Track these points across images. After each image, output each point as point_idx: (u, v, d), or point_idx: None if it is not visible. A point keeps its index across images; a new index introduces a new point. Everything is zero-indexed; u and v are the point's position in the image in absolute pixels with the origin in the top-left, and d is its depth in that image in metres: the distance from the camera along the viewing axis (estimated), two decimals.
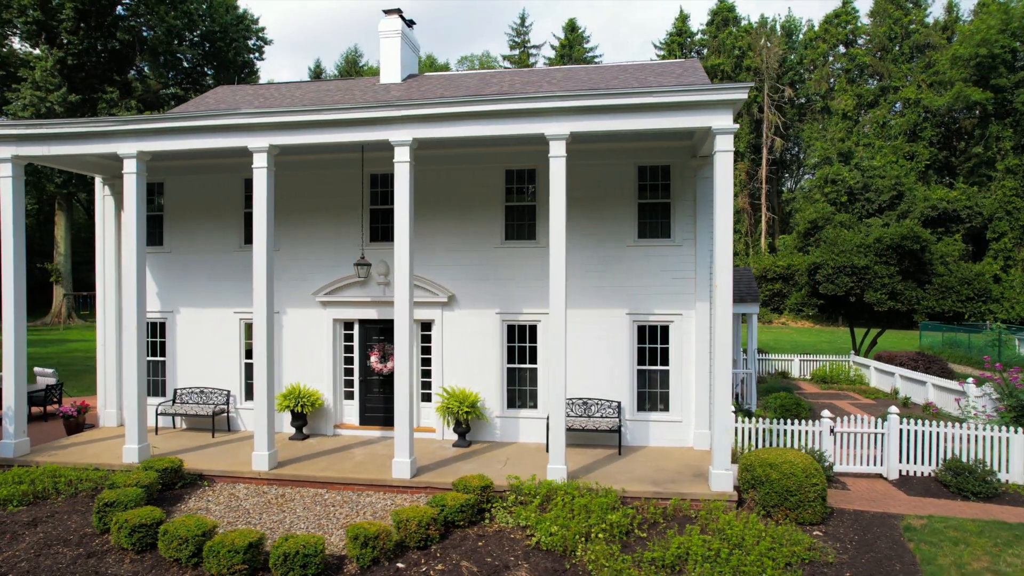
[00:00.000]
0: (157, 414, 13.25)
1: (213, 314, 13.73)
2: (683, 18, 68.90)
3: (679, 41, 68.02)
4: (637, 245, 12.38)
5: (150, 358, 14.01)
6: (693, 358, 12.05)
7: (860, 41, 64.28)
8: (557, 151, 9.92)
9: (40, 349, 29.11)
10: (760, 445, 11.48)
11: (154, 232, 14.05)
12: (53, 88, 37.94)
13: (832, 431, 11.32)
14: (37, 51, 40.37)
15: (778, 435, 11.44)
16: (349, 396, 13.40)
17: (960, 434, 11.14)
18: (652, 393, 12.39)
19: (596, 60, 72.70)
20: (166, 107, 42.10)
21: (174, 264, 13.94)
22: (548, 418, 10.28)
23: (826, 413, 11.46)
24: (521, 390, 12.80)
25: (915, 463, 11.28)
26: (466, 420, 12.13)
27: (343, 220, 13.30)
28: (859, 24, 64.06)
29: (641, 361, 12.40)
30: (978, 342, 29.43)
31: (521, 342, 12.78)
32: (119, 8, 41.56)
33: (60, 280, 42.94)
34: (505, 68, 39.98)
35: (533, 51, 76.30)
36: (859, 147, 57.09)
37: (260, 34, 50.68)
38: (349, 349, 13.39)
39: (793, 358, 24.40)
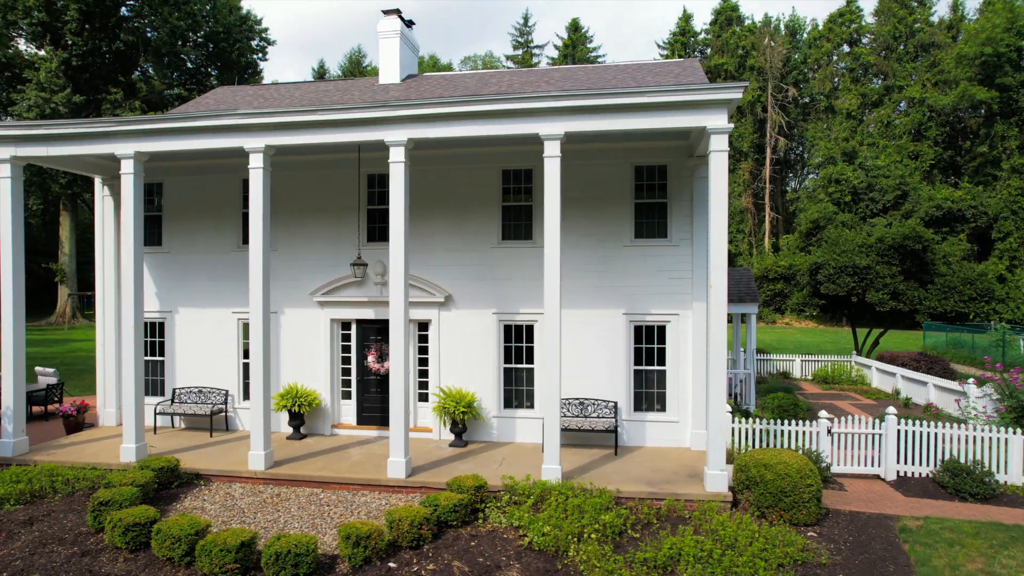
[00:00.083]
0: (156, 413, 13.31)
1: (212, 314, 13.77)
2: (686, 18, 68.74)
3: (682, 41, 67.87)
4: (634, 245, 12.36)
5: (149, 358, 14.08)
6: (690, 358, 12.03)
7: (864, 40, 64.01)
8: (552, 151, 9.91)
9: (44, 349, 29.28)
10: (757, 445, 11.45)
11: (153, 232, 14.11)
12: (57, 89, 38.13)
13: (829, 432, 11.28)
14: (42, 52, 40.59)
15: (775, 435, 11.41)
16: (346, 396, 13.42)
17: (958, 435, 11.08)
18: (649, 393, 12.37)
19: (600, 60, 72.64)
20: (170, 108, 42.26)
21: (173, 264, 13.99)
22: (544, 418, 10.27)
23: (823, 414, 11.41)
24: (518, 390, 12.80)
25: (913, 464, 11.23)
26: (462, 420, 12.14)
27: (341, 220, 13.32)
28: (863, 23, 63.80)
29: (638, 361, 12.39)
30: (982, 342, 29.27)
31: (518, 342, 12.78)
32: (123, 9, 41.77)
33: (65, 280, 43.18)
34: (508, 68, 39.97)
35: (536, 51, 76.29)
36: (863, 147, 56.83)
37: (263, 35, 50.83)
38: (347, 349, 13.42)
39: (795, 358, 24.32)
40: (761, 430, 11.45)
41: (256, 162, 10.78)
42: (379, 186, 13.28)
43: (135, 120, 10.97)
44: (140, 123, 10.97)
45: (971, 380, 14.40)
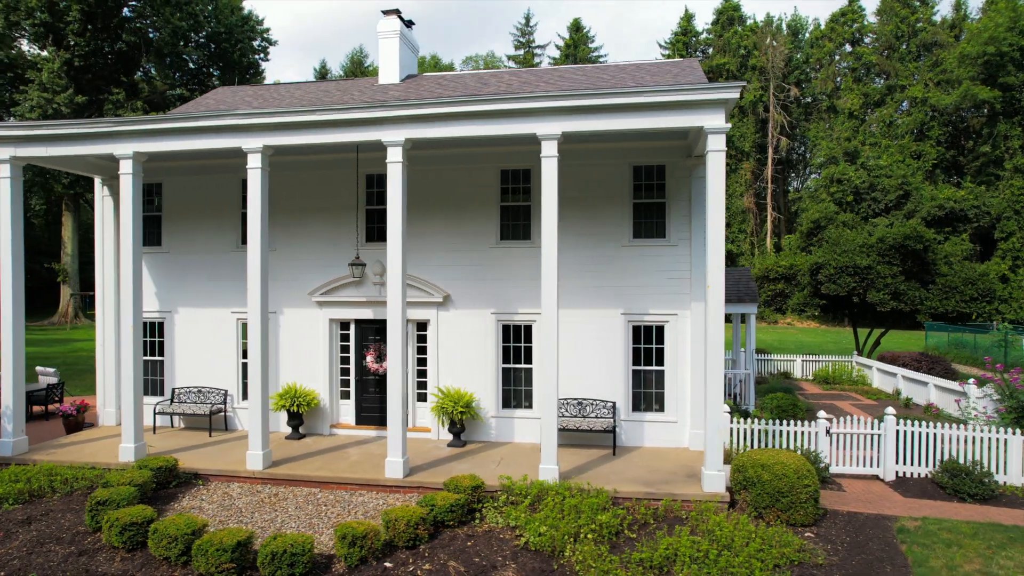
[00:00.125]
0: (155, 413, 13.34)
1: (211, 314, 13.80)
2: (688, 17, 68.69)
3: (684, 40, 67.81)
4: (632, 245, 12.35)
5: (149, 357, 14.11)
6: (688, 358, 12.01)
7: (867, 40, 63.91)
8: (549, 151, 9.91)
9: (46, 348, 29.34)
10: (756, 446, 11.42)
11: (153, 232, 14.14)
12: (60, 90, 38.24)
13: (828, 432, 11.25)
14: (44, 53, 40.70)
15: (774, 436, 11.38)
16: (345, 396, 13.44)
17: (957, 435, 11.05)
18: (648, 393, 12.35)
19: (601, 60, 72.60)
20: (172, 108, 42.33)
21: (173, 264, 14.02)
22: (541, 418, 10.26)
23: (822, 414, 11.38)
24: (517, 390, 12.79)
25: (912, 464, 11.20)
26: (461, 420, 12.14)
27: (340, 220, 13.34)
28: (866, 23, 63.71)
29: (636, 361, 12.37)
30: (984, 342, 29.19)
31: (516, 342, 12.78)
32: (125, 10, 41.87)
33: (67, 280, 43.28)
34: (508, 68, 39.97)
35: (538, 51, 76.32)
36: (865, 146, 56.74)
37: (265, 35, 50.91)
38: (345, 349, 13.43)
39: (796, 359, 24.28)
40: (760, 430, 11.43)
41: (254, 162, 10.80)
42: (378, 186, 13.29)
43: (134, 120, 11.00)
44: (139, 123, 11.00)
45: (971, 380, 14.36)
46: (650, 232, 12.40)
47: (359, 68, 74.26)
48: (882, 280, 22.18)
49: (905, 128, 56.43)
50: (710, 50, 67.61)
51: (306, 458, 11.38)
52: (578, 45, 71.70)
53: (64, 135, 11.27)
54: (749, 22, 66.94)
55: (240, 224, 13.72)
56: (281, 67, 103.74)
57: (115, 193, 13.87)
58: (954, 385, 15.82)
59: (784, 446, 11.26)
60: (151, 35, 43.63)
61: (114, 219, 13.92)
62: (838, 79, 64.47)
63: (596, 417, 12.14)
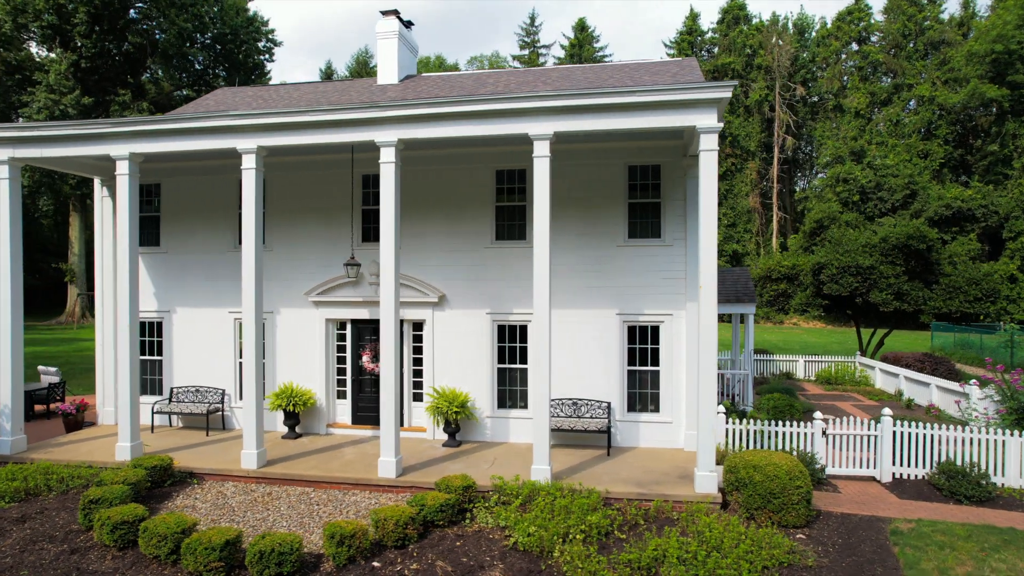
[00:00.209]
0: (153, 412, 13.42)
1: (209, 314, 13.87)
2: (693, 17, 68.41)
3: (689, 40, 67.56)
4: (628, 245, 12.32)
5: (147, 357, 14.19)
6: (684, 358, 11.96)
7: (873, 38, 63.46)
8: (541, 151, 9.90)
9: (51, 348, 29.59)
10: (752, 447, 11.37)
11: (151, 233, 14.22)
12: (67, 91, 38.52)
13: (824, 433, 11.18)
14: (52, 54, 41.03)
15: (769, 437, 11.32)
16: (342, 395, 13.47)
17: (955, 436, 10.95)
18: (643, 394, 12.32)
19: (606, 59, 72.45)
20: (178, 109, 42.55)
21: (171, 264, 14.10)
22: (534, 418, 10.25)
23: (818, 415, 11.31)
24: (512, 390, 12.79)
25: (909, 466, 11.11)
26: (455, 420, 12.15)
27: (336, 220, 13.37)
28: (872, 21, 63.25)
29: (632, 362, 12.34)
30: (991, 343, 28.90)
31: (512, 342, 12.77)
32: (131, 11, 42.14)
33: (74, 280, 43.59)
34: (510, 68, 39.93)
35: (543, 51, 76.25)
36: (872, 145, 56.37)
37: (270, 36, 51.10)
38: (342, 349, 13.46)
39: (798, 359, 24.14)
40: (755, 431, 11.38)
41: (249, 163, 10.84)
42: (374, 186, 13.31)
43: (129, 121, 11.06)
44: (134, 124, 11.06)
45: (973, 382, 14.23)
46: (646, 232, 12.37)
47: (364, 69, 74.42)
48: (885, 280, 22.01)
49: (912, 127, 56.00)
50: (715, 49, 67.34)
51: (301, 457, 11.42)
52: (583, 45, 71.55)
53: (61, 136, 11.35)
54: (755, 21, 66.62)
55: (238, 224, 13.77)
56: (289, 68, 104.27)
57: (114, 194, 13.95)
58: (956, 386, 15.68)
59: (780, 447, 11.20)
60: (157, 36, 43.92)
61: (113, 219, 14.01)
62: (845, 78, 64.07)
63: (591, 417, 12.12)
